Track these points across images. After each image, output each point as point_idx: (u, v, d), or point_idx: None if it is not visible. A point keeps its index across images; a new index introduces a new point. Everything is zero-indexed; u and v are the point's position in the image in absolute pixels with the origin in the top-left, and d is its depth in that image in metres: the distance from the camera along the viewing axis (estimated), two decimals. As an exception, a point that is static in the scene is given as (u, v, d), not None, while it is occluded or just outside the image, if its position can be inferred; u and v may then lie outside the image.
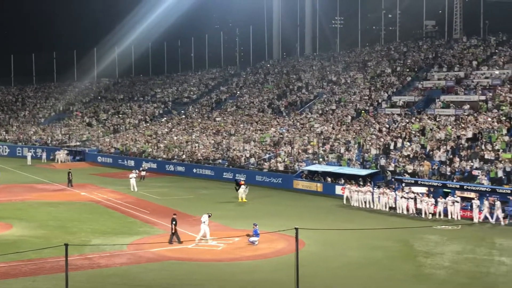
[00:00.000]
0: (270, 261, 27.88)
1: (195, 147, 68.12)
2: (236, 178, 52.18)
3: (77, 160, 76.03)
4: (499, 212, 36.36)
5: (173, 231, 30.63)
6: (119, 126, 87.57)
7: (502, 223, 35.81)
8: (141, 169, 59.45)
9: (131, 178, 51.76)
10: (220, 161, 62.40)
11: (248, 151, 61.61)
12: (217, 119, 77.87)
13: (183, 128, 78.19)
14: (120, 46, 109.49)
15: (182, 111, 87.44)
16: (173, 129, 79.01)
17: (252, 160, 59.50)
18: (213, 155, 63.95)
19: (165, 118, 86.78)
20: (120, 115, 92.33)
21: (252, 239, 30.29)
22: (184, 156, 66.57)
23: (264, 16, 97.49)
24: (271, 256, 28.56)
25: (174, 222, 30.72)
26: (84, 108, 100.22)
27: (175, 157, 67.50)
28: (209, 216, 31.44)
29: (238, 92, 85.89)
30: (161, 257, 28.34)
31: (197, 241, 30.78)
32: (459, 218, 37.37)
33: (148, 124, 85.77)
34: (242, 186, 46.11)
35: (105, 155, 76.06)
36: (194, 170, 62.90)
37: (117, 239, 32.02)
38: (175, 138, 74.17)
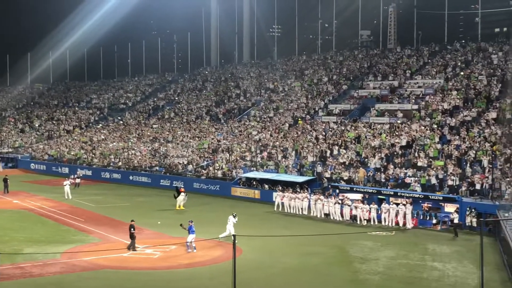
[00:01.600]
0: (207, 268, 27.73)
1: (132, 154, 67.31)
2: (176, 185, 51.82)
3: (9, 167, 74.00)
4: (408, 217, 37.42)
5: (132, 238, 30.30)
6: (53, 132, 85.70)
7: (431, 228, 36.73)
8: (75, 176, 58.29)
9: (65, 185, 50.68)
10: (157, 168, 61.85)
11: (186, 158, 61.29)
12: (154, 126, 77.20)
13: (119, 135, 77.15)
14: (55, 51, 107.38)
15: (119, 118, 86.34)
16: (109, 136, 77.87)
17: (190, 167, 59.19)
18: (150, 162, 63.33)
19: (100, 125, 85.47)
20: (54, 121, 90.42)
21: (190, 237, 29.97)
22: (120, 163, 65.68)
23: (202, 23, 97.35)
24: (208, 264, 28.42)
25: (132, 229, 30.34)
26: (17, 114, 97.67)
27: (111, 164, 66.54)
28: (234, 216, 33.16)
29: (176, 99, 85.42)
30: (96, 265, 27.80)
31: (220, 237, 31.90)
32: (393, 224, 38.11)
33: (83, 131, 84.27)
34: (182, 194, 45.78)
35: (39, 162, 74.32)
36: (131, 177, 62.13)
37: (50, 248, 31.24)
38: (111, 145, 73.11)
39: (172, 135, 70.88)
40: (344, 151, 51.42)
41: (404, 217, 37.89)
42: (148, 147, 68.47)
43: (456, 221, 36.18)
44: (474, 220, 36.39)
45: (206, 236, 31.39)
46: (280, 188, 46.48)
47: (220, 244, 30.44)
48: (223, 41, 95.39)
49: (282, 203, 44.25)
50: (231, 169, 55.28)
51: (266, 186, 49.98)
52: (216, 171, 56.33)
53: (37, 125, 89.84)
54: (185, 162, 60.32)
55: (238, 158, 57.10)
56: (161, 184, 57.86)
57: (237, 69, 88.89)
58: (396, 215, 38.23)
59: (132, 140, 72.78)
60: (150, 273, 26.91)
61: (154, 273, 26.83)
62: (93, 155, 70.48)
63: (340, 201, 40.58)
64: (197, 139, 67.04)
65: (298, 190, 45.15)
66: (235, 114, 72.46)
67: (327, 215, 40.99)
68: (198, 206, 47.23)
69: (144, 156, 65.68)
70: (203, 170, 57.74)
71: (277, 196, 44.89)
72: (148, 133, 74.23)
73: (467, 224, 36.74)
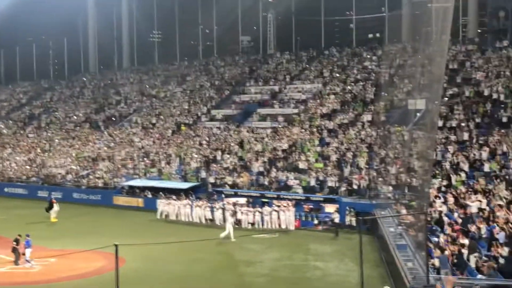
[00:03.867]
0: (89, 280, 26.93)
1: (7, 165, 64.27)
2: (51, 196, 49.99)
3: None
4: (291, 219, 38.27)
5: (14, 252, 29.00)
6: None
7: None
8: None
9: None
10: (34, 179, 59.43)
11: (64, 168, 59.27)
12: (31, 135, 74.10)
13: (-7, 145, 73.43)
14: None
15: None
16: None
17: (69, 177, 57.31)
18: (26, 173, 60.73)
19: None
20: None
21: (28, 252, 28.86)
22: (-6, 175, 62.58)
23: (79, 29, 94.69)
24: (90, 275, 27.60)
25: (15, 243, 29.11)
26: None
27: (-16, 176, 63.26)
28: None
29: (53, 107, 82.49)
30: (-31, 283, 26.26)
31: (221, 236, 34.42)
32: (276, 226, 38.63)
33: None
34: (55, 205, 44.17)
35: None
36: (6, 189, 59.33)
37: None
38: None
39: (50, 144, 68.32)
40: (228, 156, 51.63)
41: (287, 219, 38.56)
42: (24, 157, 65.60)
43: (336, 220, 37.26)
44: (353, 219, 37.61)
45: (86, 247, 30.33)
46: (163, 195, 45.85)
47: (102, 255, 29.51)
48: (102, 46, 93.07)
49: (165, 210, 43.76)
50: (113, 177, 54.07)
51: (149, 193, 49.19)
52: (97, 180, 54.88)
53: None
54: (64, 172, 58.33)
55: (120, 166, 55.92)
56: (39, 195, 55.56)
57: (117, 75, 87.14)
58: (279, 218, 38.81)
59: (7, 151, 69.47)
60: (30, 287, 25.77)
61: (32, 288, 25.72)
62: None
63: (223, 206, 40.66)
64: (76, 147, 64.99)
65: (182, 196, 44.82)
66: (115, 121, 70.94)
67: (211, 220, 40.96)
68: (79, 216, 45.83)
69: (21, 167, 62.88)
70: (83, 180, 56.06)
71: (160, 204, 44.32)
72: (24, 143, 71.12)
73: (346, 223, 37.92)
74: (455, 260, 21.86)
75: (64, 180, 57.30)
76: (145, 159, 56.31)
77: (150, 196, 48.97)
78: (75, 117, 75.69)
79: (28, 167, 62.47)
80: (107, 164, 57.38)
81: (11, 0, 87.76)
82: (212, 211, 41.07)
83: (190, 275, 27.52)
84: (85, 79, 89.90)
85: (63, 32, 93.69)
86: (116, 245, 19.15)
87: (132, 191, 51.05)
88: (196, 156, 53.18)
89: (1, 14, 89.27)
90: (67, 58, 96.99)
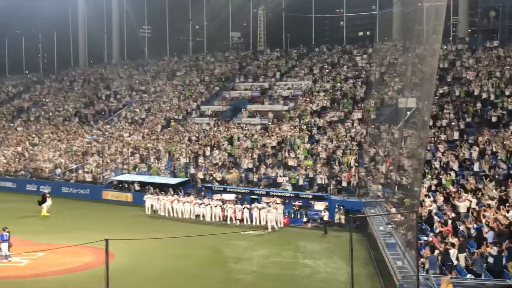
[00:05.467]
0: (79, 275, 26.82)
1: (-5, 158, 63.91)
2: (43, 190, 49.73)
3: None
4: (280, 216, 38.19)
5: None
6: None
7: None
8: None
9: None
10: (22, 172, 59.10)
11: (53, 162, 58.98)
12: (19, 128, 73.68)
13: (-19, 138, 72.92)
14: None
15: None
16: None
17: (58, 171, 57.07)
18: (15, 167, 60.38)
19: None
20: None
21: (3, 246, 28.62)
22: (-18, 168, 62.15)
23: (69, 22, 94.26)
24: (79, 270, 27.50)
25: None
26: None
27: (-28, 169, 62.82)
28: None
29: (43, 100, 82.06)
30: (-44, 277, 26.08)
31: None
32: (265, 223, 38.58)
33: None
34: (48, 199, 44.00)
35: None
36: (-6, 183, 59.03)
37: None
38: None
39: (39, 138, 67.97)
40: (217, 152, 51.61)
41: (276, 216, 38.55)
42: (13, 151, 65.19)
43: (325, 218, 37.32)
44: (343, 217, 37.71)
45: (75, 242, 30.22)
46: (151, 190, 45.70)
47: (91, 249, 29.42)
48: (92, 41, 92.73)
49: (152, 205, 43.63)
50: (102, 172, 53.89)
51: (137, 187, 49.08)
52: (85, 174, 54.67)
53: None
54: (52, 166, 58.05)
55: (109, 161, 55.72)
56: (27, 189, 55.30)
57: (106, 69, 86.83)
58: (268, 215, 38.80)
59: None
60: (17, 282, 25.63)
61: (21, 282, 25.58)
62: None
63: (213, 202, 40.62)
64: (65, 141, 64.70)
65: (172, 192, 44.71)
66: (105, 116, 70.70)
67: (199, 216, 40.86)
68: (68, 211, 45.62)
69: (9, 160, 62.51)
70: (72, 174, 55.83)
71: (147, 199, 44.14)
72: (13, 136, 70.70)
73: (335, 221, 37.98)
74: (442, 260, 21.95)
75: (52, 174, 57.05)
76: (134, 154, 56.12)
77: (138, 188, 48.86)
78: (64, 111, 75.37)
79: (17, 160, 62.12)
80: (96, 158, 57.18)
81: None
82: (200, 207, 40.97)
83: (179, 271, 27.49)
84: (74, 73, 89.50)
85: (53, 25, 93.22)
86: (106, 240, 19.07)
87: (121, 186, 50.90)
88: (185, 151, 53.09)
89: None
90: (56, 51, 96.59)
